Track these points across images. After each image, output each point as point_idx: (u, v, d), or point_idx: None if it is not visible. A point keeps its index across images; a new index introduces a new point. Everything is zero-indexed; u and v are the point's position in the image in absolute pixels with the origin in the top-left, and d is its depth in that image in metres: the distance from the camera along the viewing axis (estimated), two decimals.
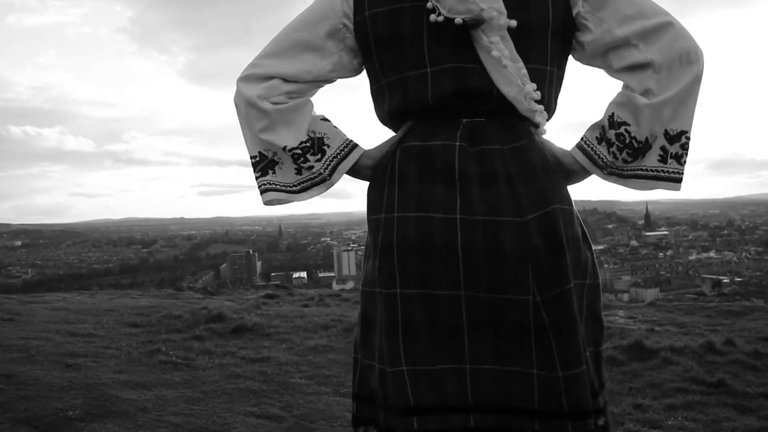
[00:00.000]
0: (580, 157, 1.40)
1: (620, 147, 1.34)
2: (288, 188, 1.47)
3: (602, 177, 1.42)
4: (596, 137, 1.39)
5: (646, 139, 1.33)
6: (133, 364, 4.23)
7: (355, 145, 1.46)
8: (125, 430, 2.99)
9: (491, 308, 1.31)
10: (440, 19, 1.31)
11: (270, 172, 1.47)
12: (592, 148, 1.39)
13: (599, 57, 1.41)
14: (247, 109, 1.44)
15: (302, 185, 1.47)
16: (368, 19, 1.40)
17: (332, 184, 1.47)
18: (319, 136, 1.45)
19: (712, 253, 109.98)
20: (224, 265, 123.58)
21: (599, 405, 1.38)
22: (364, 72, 1.53)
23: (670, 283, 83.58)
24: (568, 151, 1.43)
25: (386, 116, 1.48)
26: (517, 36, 1.33)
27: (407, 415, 1.32)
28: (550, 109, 1.43)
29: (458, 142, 1.36)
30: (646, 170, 1.36)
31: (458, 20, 1.30)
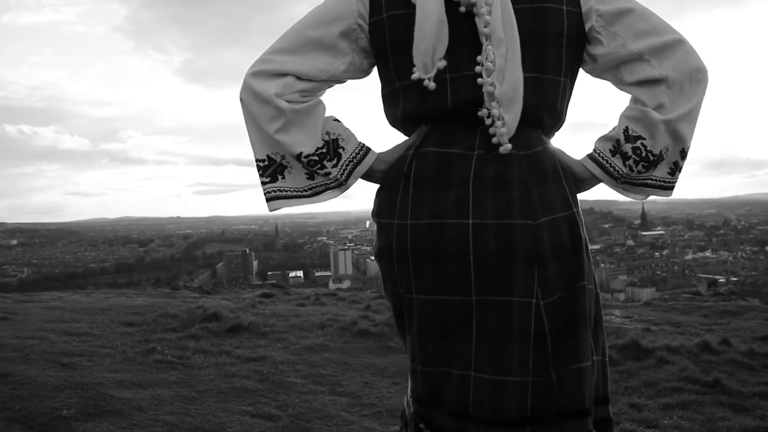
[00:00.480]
0: (593, 168, 1.43)
1: (636, 160, 1.40)
2: (299, 193, 1.45)
3: (613, 186, 1.47)
4: (610, 149, 1.42)
5: (660, 152, 1.39)
6: (128, 364, 4.22)
7: (369, 149, 1.46)
8: (120, 429, 2.98)
9: (500, 311, 1.33)
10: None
11: (279, 177, 1.45)
12: (606, 160, 1.42)
13: (610, 70, 1.44)
14: (262, 106, 1.39)
15: (314, 189, 1.46)
16: (386, 21, 1.39)
17: (347, 188, 1.46)
18: (334, 137, 1.43)
19: (708, 253, 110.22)
20: (220, 264, 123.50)
21: (608, 413, 1.42)
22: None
23: (666, 282, 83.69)
24: (578, 160, 1.45)
25: (399, 119, 1.47)
26: (533, 47, 1.35)
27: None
28: (561, 118, 1.46)
29: (476, 151, 1.37)
30: (656, 180, 1.44)
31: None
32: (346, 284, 54.07)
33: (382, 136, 1.52)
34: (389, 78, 1.45)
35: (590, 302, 1.39)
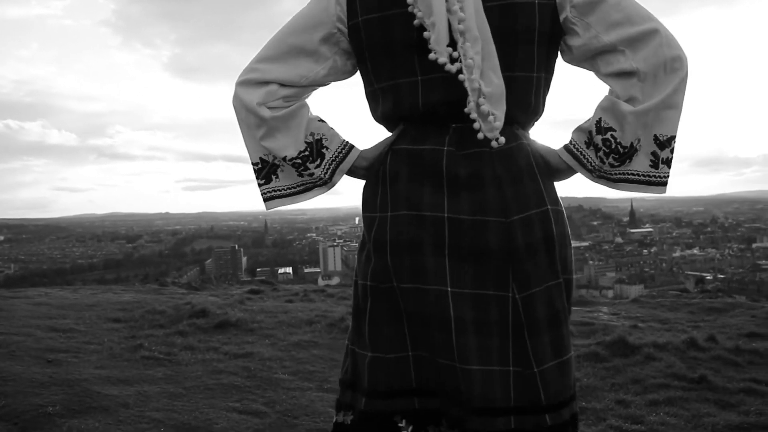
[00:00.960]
0: (568, 158, 1.43)
1: (606, 152, 1.38)
2: (292, 190, 1.52)
3: (591, 179, 1.46)
4: (585, 141, 1.41)
5: (631, 144, 1.37)
6: (114, 360, 4.20)
7: (352, 147, 1.50)
8: (106, 426, 2.96)
9: (475, 305, 1.35)
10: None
11: (273, 177, 1.52)
12: (580, 152, 1.42)
13: (587, 60, 1.43)
14: (247, 114, 1.46)
15: (305, 186, 1.52)
16: (361, 24, 1.42)
17: (333, 185, 1.52)
18: (318, 137, 1.48)
19: (695, 250, 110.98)
20: (209, 260, 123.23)
21: (575, 409, 1.43)
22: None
23: (654, 279, 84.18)
24: (554, 150, 1.46)
25: (381, 118, 1.51)
26: (503, 45, 1.35)
27: (409, 397, 1.42)
28: (537, 112, 1.46)
29: (446, 147, 1.39)
30: (638, 175, 1.40)
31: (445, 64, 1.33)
32: (335, 281, 54.09)
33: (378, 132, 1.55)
34: (369, 79, 1.49)
35: (566, 295, 1.43)
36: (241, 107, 1.47)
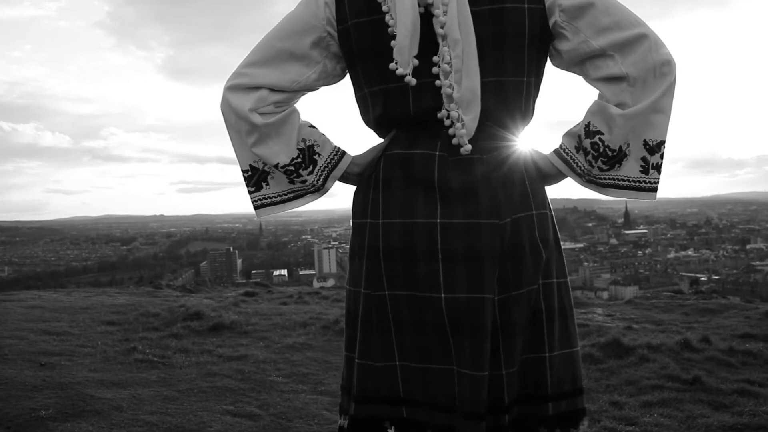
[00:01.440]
0: (558, 163, 1.43)
1: (595, 155, 1.38)
2: (283, 197, 1.51)
3: (581, 184, 1.45)
4: (574, 146, 1.42)
5: (620, 147, 1.37)
6: (108, 363, 4.19)
7: (344, 153, 1.49)
8: (99, 429, 2.95)
9: (470, 309, 1.34)
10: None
11: (264, 185, 1.51)
12: (570, 156, 1.42)
13: (576, 65, 1.43)
14: (238, 120, 1.44)
15: (296, 192, 1.51)
16: (351, 28, 1.41)
17: (326, 191, 1.51)
18: (309, 143, 1.47)
19: (690, 252, 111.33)
20: (204, 262, 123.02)
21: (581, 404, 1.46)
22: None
23: (649, 281, 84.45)
24: (545, 155, 1.45)
25: (371, 123, 1.50)
26: (493, 50, 1.35)
27: (397, 405, 1.41)
28: (527, 116, 1.45)
29: (438, 152, 1.38)
30: (628, 180, 1.40)
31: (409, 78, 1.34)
32: (330, 282, 54.04)
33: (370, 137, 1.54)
34: (359, 83, 1.48)
35: (560, 295, 1.44)
36: (230, 113, 1.45)
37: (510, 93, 1.38)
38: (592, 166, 1.40)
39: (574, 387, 1.44)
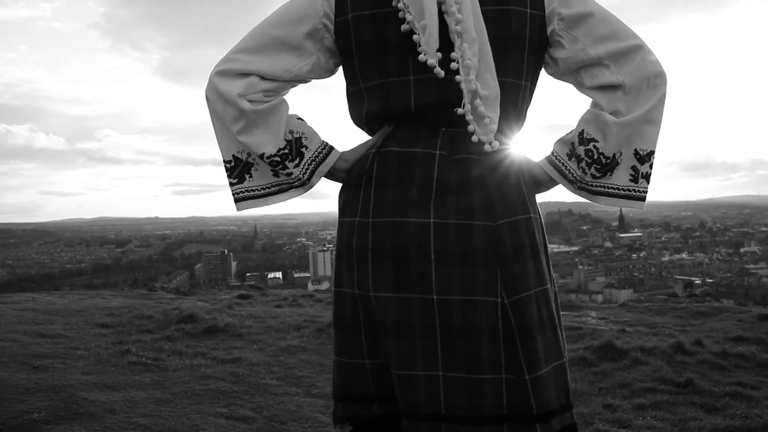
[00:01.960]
0: (550, 170, 1.44)
1: (588, 163, 1.39)
2: (266, 191, 1.46)
3: (572, 191, 1.46)
4: (567, 153, 1.42)
5: (614, 155, 1.39)
6: (101, 365, 4.18)
7: (332, 148, 1.45)
8: None
9: (463, 311, 1.32)
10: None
11: (247, 177, 1.46)
12: (562, 163, 1.43)
13: (571, 73, 1.44)
14: (225, 106, 1.40)
15: (280, 186, 1.46)
16: (351, 21, 1.39)
17: (311, 187, 1.47)
18: (297, 136, 1.43)
19: (684, 255, 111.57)
20: (199, 265, 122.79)
21: (569, 420, 1.39)
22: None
23: (644, 284, 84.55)
24: (537, 163, 1.46)
25: (363, 119, 1.47)
26: (496, 49, 1.34)
27: (369, 402, 1.40)
28: (520, 121, 1.45)
29: (438, 151, 1.37)
30: (618, 189, 1.42)
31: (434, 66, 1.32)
32: (325, 285, 54.03)
33: (355, 135, 1.52)
34: (354, 78, 1.45)
35: (554, 302, 1.42)
36: (217, 98, 1.40)
37: (509, 95, 1.39)
38: (585, 173, 1.41)
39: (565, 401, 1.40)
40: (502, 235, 1.33)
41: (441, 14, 1.32)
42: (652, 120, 1.38)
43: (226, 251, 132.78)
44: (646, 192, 1.43)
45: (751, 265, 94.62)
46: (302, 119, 1.46)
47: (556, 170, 1.43)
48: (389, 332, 1.36)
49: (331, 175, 1.47)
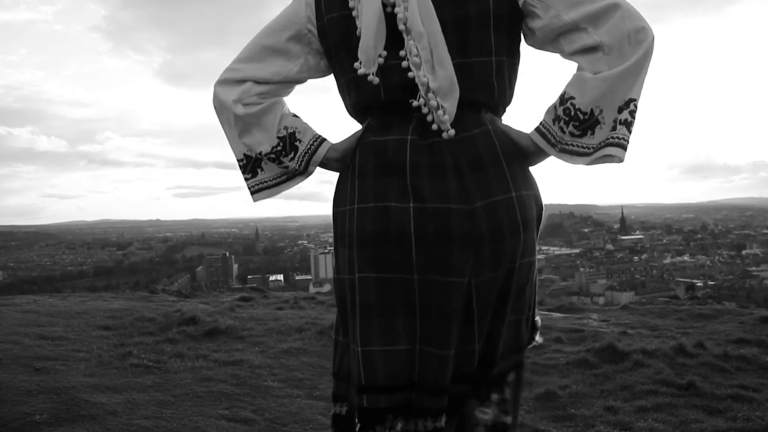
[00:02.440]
0: (537, 138, 1.43)
1: (566, 120, 1.38)
2: (277, 180, 1.62)
3: (555, 155, 1.43)
4: (552, 119, 1.41)
5: (591, 111, 1.35)
6: (103, 368, 4.18)
7: (324, 140, 1.57)
8: None
9: (441, 290, 1.38)
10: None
11: (259, 170, 1.62)
12: (548, 129, 1.42)
13: (550, 42, 1.44)
14: (225, 112, 1.56)
15: (287, 175, 1.62)
16: (326, 23, 1.51)
17: (310, 174, 1.61)
18: (291, 131, 1.56)
19: (686, 257, 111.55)
20: (200, 267, 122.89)
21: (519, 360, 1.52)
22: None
23: (645, 286, 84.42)
24: (525, 133, 1.46)
25: (350, 111, 1.58)
26: (456, 32, 1.38)
27: (360, 393, 1.42)
28: (504, 96, 1.48)
29: (410, 136, 1.42)
30: (597, 146, 1.36)
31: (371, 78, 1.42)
32: (327, 288, 54.01)
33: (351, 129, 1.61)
34: (336, 75, 1.57)
35: (531, 273, 1.48)
36: (220, 106, 1.57)
37: (478, 73, 1.41)
38: (564, 132, 1.38)
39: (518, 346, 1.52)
40: (479, 218, 1.37)
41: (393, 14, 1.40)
42: (635, 72, 1.32)
43: (227, 254, 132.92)
44: (626, 140, 1.34)
45: (753, 268, 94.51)
46: (297, 116, 1.60)
47: (543, 138, 1.41)
48: (372, 312, 1.42)
49: (325, 166, 1.59)
